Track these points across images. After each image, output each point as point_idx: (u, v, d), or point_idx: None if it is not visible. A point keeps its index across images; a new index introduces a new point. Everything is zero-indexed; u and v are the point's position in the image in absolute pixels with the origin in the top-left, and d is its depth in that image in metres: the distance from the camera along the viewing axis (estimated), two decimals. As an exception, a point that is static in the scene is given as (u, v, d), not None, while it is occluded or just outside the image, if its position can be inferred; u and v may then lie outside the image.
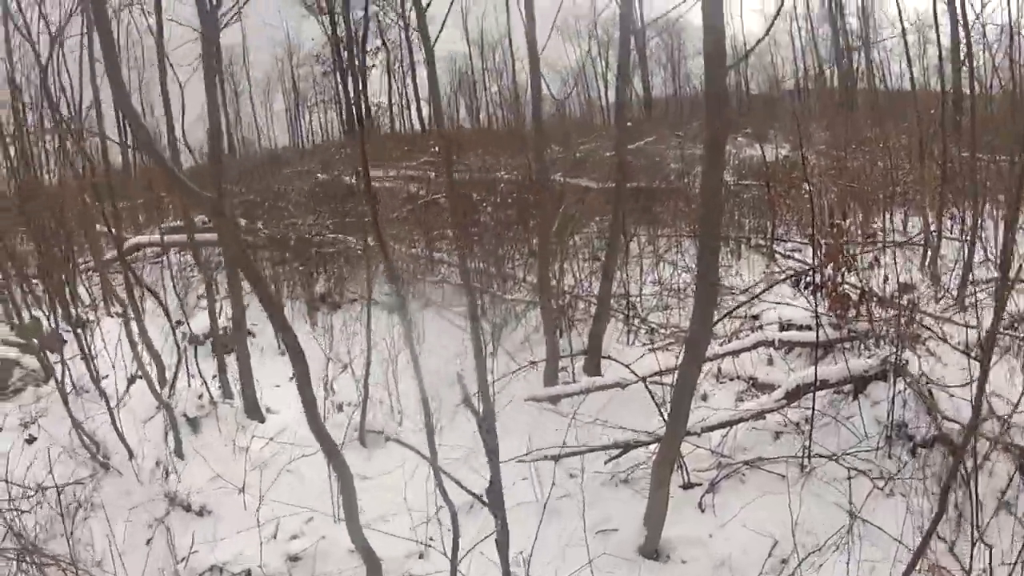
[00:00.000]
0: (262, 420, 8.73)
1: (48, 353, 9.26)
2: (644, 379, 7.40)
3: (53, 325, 10.16)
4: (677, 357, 6.54)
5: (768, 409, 6.82)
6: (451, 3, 26.74)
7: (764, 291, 9.83)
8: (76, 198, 11.62)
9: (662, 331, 9.72)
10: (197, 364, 9.04)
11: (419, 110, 32.51)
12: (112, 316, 11.02)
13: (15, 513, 6.91)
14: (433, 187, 15.46)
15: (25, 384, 9.47)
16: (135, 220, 17.03)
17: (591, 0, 30.80)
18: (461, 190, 14.22)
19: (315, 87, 33.16)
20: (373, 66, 32.21)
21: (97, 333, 9.92)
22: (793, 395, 6.84)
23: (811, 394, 6.77)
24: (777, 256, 12.31)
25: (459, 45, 32.68)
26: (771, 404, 6.82)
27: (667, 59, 34.19)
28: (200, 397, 8.59)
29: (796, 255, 11.97)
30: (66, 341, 9.71)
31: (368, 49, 32.03)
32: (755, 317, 9.82)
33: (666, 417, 6.16)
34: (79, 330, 9.24)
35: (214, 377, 8.97)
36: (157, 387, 8.48)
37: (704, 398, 7.91)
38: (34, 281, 11.47)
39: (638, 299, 10.52)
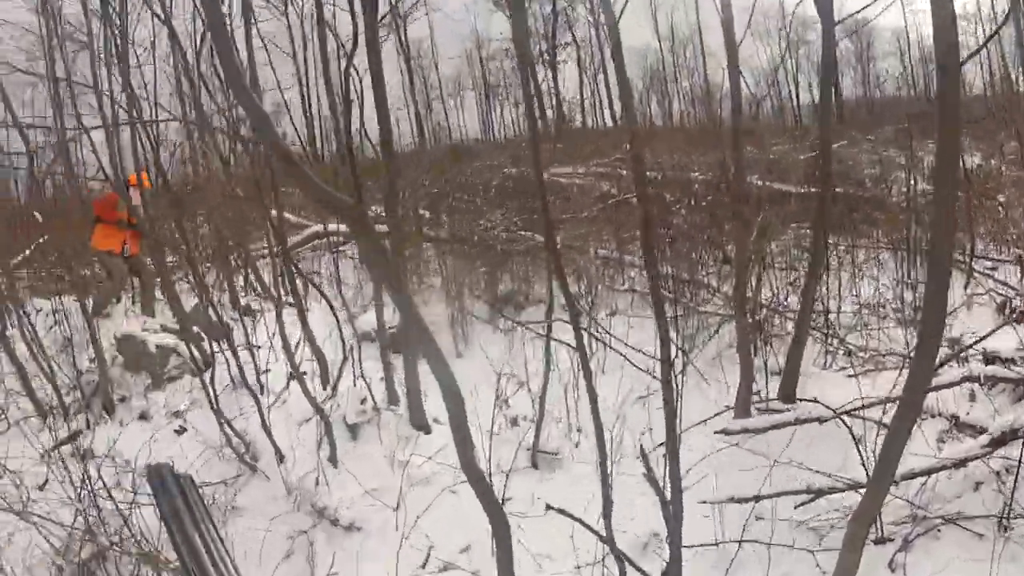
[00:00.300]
0: (428, 431, 8.27)
1: (211, 343, 9.19)
2: (844, 413, 6.84)
3: (220, 313, 10.16)
4: (877, 383, 6.05)
5: (972, 457, 6.22)
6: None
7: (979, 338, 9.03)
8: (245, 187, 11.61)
9: (861, 354, 9.17)
10: (360, 365, 8.66)
11: (611, 106, 32.26)
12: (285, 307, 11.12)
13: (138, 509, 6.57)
14: (625, 185, 15.18)
15: (181, 373, 9.44)
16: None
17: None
18: (653, 190, 13.95)
19: (504, 80, 33.31)
20: (564, 61, 32.18)
21: (262, 324, 9.91)
22: (1000, 441, 6.20)
23: (1019, 440, 6.08)
24: (976, 274, 11.49)
25: (651, 40, 32.21)
26: (976, 451, 6.21)
27: (856, 60, 32.83)
28: (363, 402, 8.19)
29: (995, 274, 11.12)
30: (232, 329, 9.48)
31: (558, 44, 32.00)
32: (955, 341, 9.20)
33: (866, 465, 5.70)
34: (245, 319, 9.34)
35: (382, 379, 8.64)
36: (311, 388, 8.19)
37: (902, 438, 7.34)
38: (207, 266, 11.72)
39: (836, 317, 9.96)
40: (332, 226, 14.40)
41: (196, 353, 9.04)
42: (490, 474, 5.43)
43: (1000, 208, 13.20)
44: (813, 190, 12.29)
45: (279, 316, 8.92)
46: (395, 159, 8.46)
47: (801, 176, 14.53)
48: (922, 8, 27.57)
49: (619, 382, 8.19)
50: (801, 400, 7.95)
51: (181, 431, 8.55)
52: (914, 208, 12.25)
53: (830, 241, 11.63)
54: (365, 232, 3.62)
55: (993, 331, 8.02)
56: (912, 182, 13.02)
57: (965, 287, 11.02)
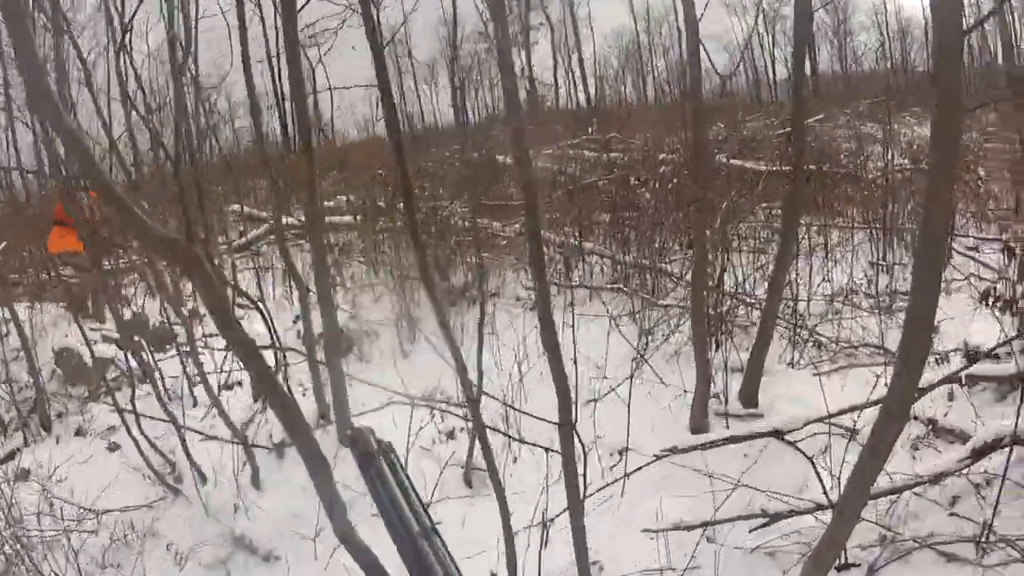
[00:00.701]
0: None
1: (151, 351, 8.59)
2: (812, 422, 6.01)
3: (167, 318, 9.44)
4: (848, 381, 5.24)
5: (950, 471, 5.40)
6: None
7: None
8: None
9: (833, 346, 8.38)
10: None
11: (585, 87, 31.60)
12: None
13: (80, 535, 6.34)
14: (591, 167, 14.47)
15: (119, 384, 8.63)
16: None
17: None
18: (619, 172, 13.19)
19: (479, 64, 32.48)
20: (536, 43, 31.59)
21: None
22: (981, 452, 5.39)
23: (1003, 451, 5.24)
24: (954, 253, 10.67)
25: (627, 20, 31.47)
26: (954, 464, 5.39)
27: (833, 35, 32.05)
28: None
29: (976, 255, 10.32)
30: (177, 336, 8.98)
31: (532, 25, 31.43)
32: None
33: (828, 489, 4.94)
34: (189, 324, 8.56)
35: (304, 394, 7.91)
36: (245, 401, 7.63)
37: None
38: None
39: (807, 305, 9.11)
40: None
41: (134, 363, 8.28)
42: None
43: (980, 183, 12.44)
44: (785, 169, 11.53)
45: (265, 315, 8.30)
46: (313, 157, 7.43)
47: (774, 154, 13.68)
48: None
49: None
50: (759, 415, 7.14)
51: (114, 447, 7.96)
52: (891, 184, 11.47)
53: (802, 221, 10.90)
54: (200, 275, 2.84)
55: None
56: (889, 157, 12.26)
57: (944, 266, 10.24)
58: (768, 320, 7.52)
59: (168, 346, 8.94)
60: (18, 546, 5.97)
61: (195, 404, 8.41)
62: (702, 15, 7.44)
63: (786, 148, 12.37)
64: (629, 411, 6.65)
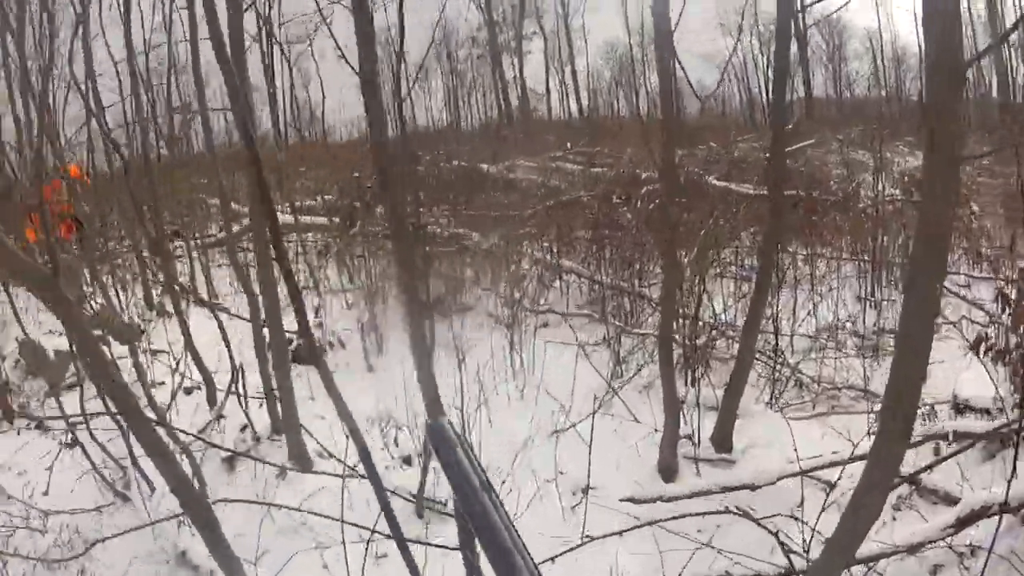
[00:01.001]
0: (308, 469, 6.70)
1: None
2: (788, 477, 5.59)
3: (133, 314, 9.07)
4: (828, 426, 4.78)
5: (933, 540, 4.93)
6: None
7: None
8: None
9: (814, 387, 7.89)
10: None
11: (577, 98, 31.29)
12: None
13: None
14: (575, 181, 14.05)
15: (81, 380, 8.05)
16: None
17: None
18: (603, 187, 12.78)
19: (473, 70, 32.09)
20: (529, 52, 31.29)
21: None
22: (967, 521, 4.91)
23: (990, 519, 4.78)
24: (945, 291, 10.20)
25: (621, 33, 31.17)
26: (936, 533, 4.91)
27: (828, 59, 31.76)
28: (243, 429, 6.92)
29: (968, 294, 9.85)
30: (144, 332, 8.65)
31: (524, 35, 31.12)
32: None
33: (802, 549, 4.46)
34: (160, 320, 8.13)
35: (260, 406, 7.31)
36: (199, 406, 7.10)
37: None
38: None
39: (788, 341, 8.63)
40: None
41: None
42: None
43: (973, 217, 12.02)
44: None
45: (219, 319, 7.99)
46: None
47: (761, 176, 13.24)
48: (900, 5, 26.56)
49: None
50: (732, 461, 6.68)
51: (73, 443, 7.33)
52: (882, 215, 11.02)
53: (789, 249, 10.45)
54: (64, 312, 2.40)
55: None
56: (880, 187, 11.83)
57: (931, 306, 9.78)
58: (744, 357, 6.95)
59: (137, 343, 8.27)
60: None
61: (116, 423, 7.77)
62: (676, 25, 6.97)
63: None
64: (591, 449, 6.10)
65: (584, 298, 10.36)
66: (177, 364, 7.79)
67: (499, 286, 10.14)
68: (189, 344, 7.70)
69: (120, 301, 9.81)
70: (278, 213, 11.38)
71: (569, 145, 17.67)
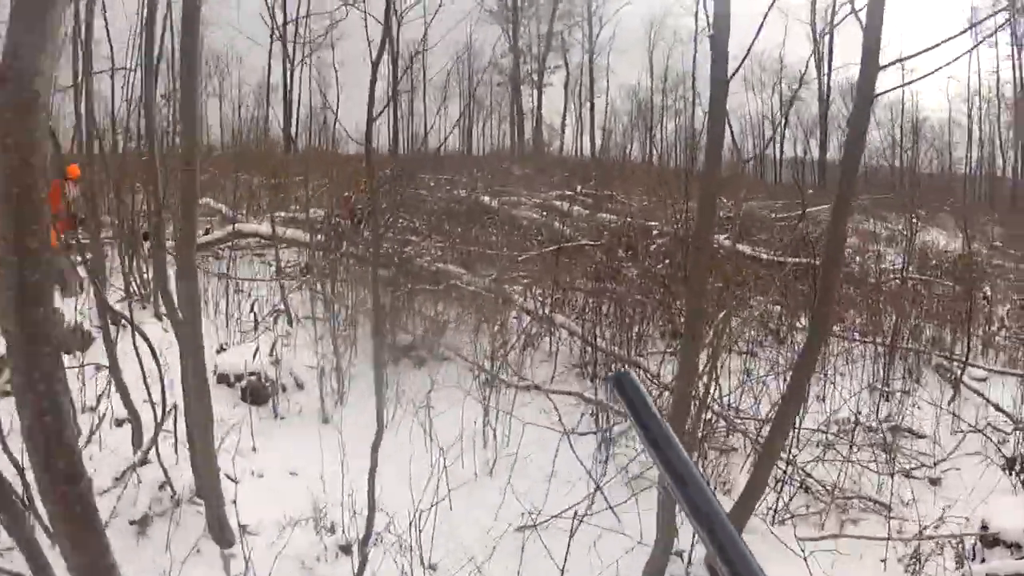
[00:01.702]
0: (229, 544, 5.24)
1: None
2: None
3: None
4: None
5: None
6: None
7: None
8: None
9: (824, 498, 6.58)
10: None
11: (592, 137, 30.41)
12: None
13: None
14: (579, 225, 12.91)
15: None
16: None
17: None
18: (609, 237, 11.64)
19: (491, 96, 31.16)
20: (549, 84, 30.52)
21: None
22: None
23: None
24: (962, 386, 9.02)
25: (644, 78, 30.35)
26: None
27: (847, 124, 31.08)
28: (161, 488, 5.56)
29: (986, 392, 8.84)
30: (95, 339, 7.47)
31: (548, 67, 30.35)
32: (933, 482, 7.03)
33: None
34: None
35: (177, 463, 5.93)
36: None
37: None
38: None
39: (794, 436, 7.12)
40: (254, 226, 12.23)
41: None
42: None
43: (986, 302, 10.97)
44: (788, 260, 10.00)
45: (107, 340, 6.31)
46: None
47: (777, 240, 12.10)
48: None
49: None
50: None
51: None
52: (899, 292, 9.99)
53: (797, 326, 9.40)
54: None
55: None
56: (900, 261, 10.87)
57: (951, 401, 8.57)
58: (765, 466, 5.55)
59: (80, 353, 7.08)
60: None
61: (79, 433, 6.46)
62: (733, 74, 5.40)
63: (800, 240, 10.83)
64: (564, 571, 4.79)
65: (575, 359, 9.09)
66: (99, 398, 6.51)
67: (477, 347, 8.77)
68: (115, 369, 6.23)
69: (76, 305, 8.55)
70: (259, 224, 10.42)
71: (580, 188, 16.52)
